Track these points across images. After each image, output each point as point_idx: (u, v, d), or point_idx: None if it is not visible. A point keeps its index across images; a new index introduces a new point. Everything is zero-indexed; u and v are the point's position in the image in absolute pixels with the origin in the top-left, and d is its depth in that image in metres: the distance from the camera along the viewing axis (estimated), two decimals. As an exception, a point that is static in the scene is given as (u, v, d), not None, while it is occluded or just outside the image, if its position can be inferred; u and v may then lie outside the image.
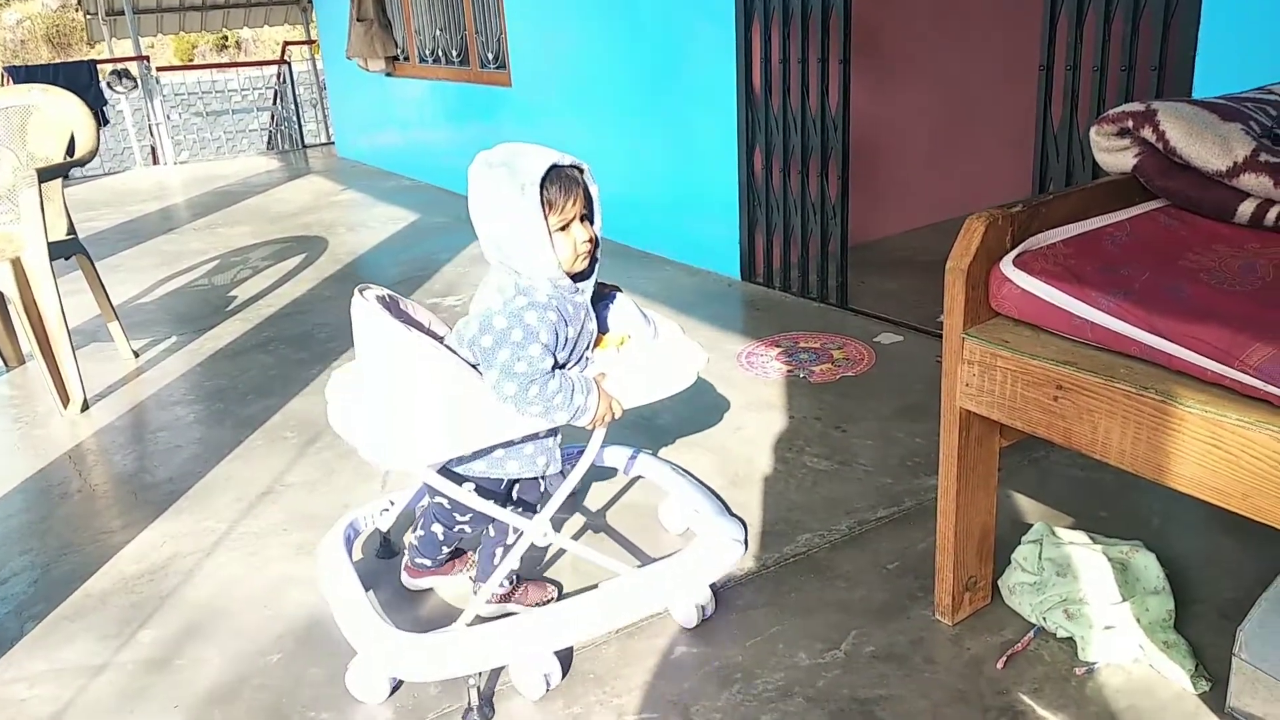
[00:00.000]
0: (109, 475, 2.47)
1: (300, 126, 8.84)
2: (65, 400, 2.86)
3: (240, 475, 2.42)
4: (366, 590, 1.71)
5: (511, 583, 1.79)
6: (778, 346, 3.06)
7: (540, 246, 1.45)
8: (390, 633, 1.57)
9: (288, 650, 1.74)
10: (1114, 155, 1.63)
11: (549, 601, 1.80)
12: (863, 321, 3.25)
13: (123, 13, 9.12)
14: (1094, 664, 1.56)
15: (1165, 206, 1.59)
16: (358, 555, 1.97)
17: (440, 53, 5.76)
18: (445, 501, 1.68)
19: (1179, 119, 1.53)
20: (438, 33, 5.75)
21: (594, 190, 1.53)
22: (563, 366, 1.53)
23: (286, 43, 9.01)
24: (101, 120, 7.42)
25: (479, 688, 1.53)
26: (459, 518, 1.72)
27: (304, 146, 8.75)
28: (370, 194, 6.09)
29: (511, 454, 1.60)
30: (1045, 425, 1.39)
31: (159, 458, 2.55)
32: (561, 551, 1.96)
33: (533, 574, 1.90)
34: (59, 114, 3.11)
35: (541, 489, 1.73)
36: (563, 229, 1.48)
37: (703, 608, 1.72)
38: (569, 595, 1.80)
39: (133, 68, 8.11)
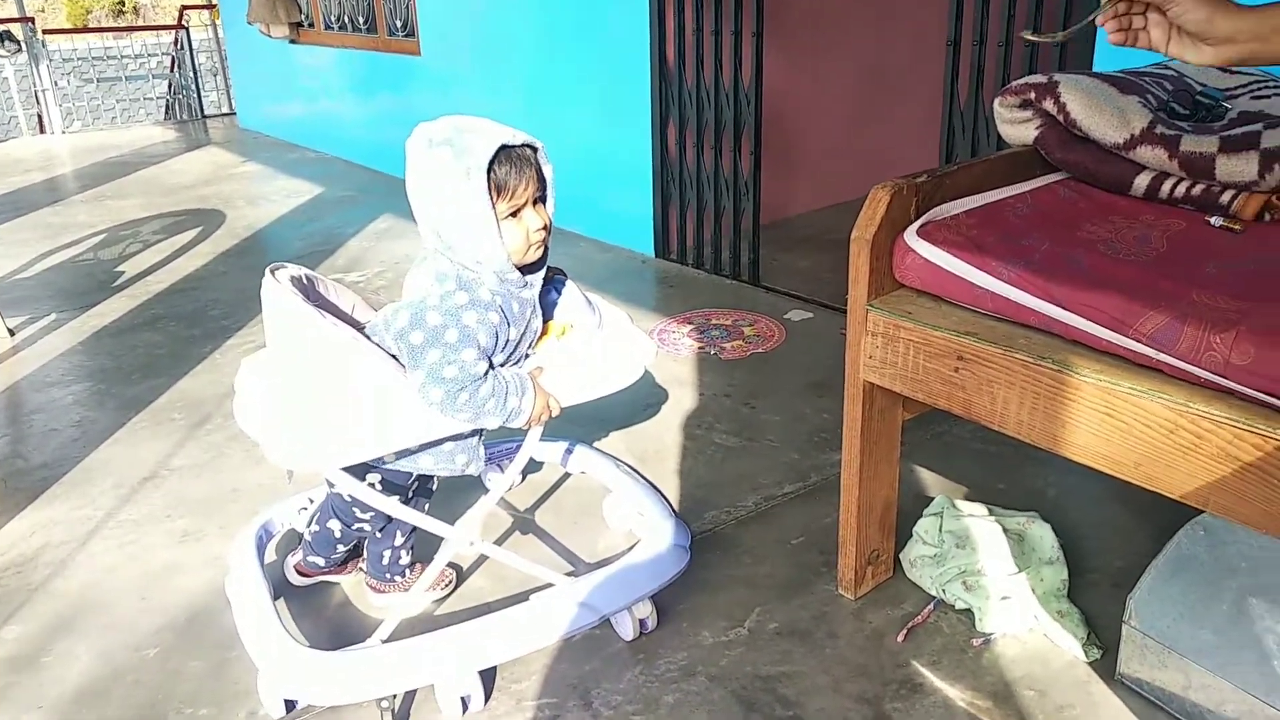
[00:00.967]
0: (-25, 460, 2.31)
1: (200, 95, 8.44)
2: (-72, 381, 2.66)
3: (121, 459, 2.28)
4: (277, 599, 1.59)
5: (406, 568, 1.71)
6: (690, 324, 3.03)
7: (487, 237, 1.31)
8: (295, 650, 1.43)
9: (166, 644, 1.63)
10: (1016, 127, 1.63)
11: (447, 586, 1.73)
12: (774, 298, 3.24)
13: (4, -30, 8.55)
14: (991, 635, 1.57)
15: (1066, 179, 1.60)
16: (269, 559, 1.81)
17: (346, 19, 5.55)
18: (346, 495, 1.55)
19: (1079, 91, 1.53)
20: (343, -1, 5.53)
21: (548, 171, 1.38)
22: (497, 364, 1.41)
23: (184, 7, 8.58)
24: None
25: (393, 710, 1.42)
26: (360, 514, 1.58)
27: (204, 117, 8.36)
28: (273, 166, 5.85)
29: (428, 449, 1.46)
30: (946, 397, 1.38)
31: (33, 442, 2.39)
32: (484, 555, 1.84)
33: (430, 557, 1.81)
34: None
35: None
36: (513, 215, 1.35)
37: (643, 620, 1.60)
38: (496, 606, 1.64)
39: (16, 29, 7.62)
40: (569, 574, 1.64)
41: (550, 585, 1.58)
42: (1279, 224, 1.40)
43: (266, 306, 1.41)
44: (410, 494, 1.58)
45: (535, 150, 1.36)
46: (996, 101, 1.63)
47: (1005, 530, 1.69)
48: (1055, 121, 1.55)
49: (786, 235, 3.94)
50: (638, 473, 2.01)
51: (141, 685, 1.54)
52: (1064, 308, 1.23)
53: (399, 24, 5.06)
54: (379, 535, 1.64)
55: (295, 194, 5.07)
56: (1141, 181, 1.49)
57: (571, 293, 1.58)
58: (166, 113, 8.96)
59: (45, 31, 8.06)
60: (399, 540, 1.66)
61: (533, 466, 2.14)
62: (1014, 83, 1.61)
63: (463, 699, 1.44)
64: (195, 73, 8.42)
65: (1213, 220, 1.41)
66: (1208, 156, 1.41)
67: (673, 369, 2.67)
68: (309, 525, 1.70)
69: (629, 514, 1.88)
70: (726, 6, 3.17)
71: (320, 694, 1.41)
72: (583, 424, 2.30)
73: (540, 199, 1.39)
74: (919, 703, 1.44)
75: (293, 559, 1.75)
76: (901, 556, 1.75)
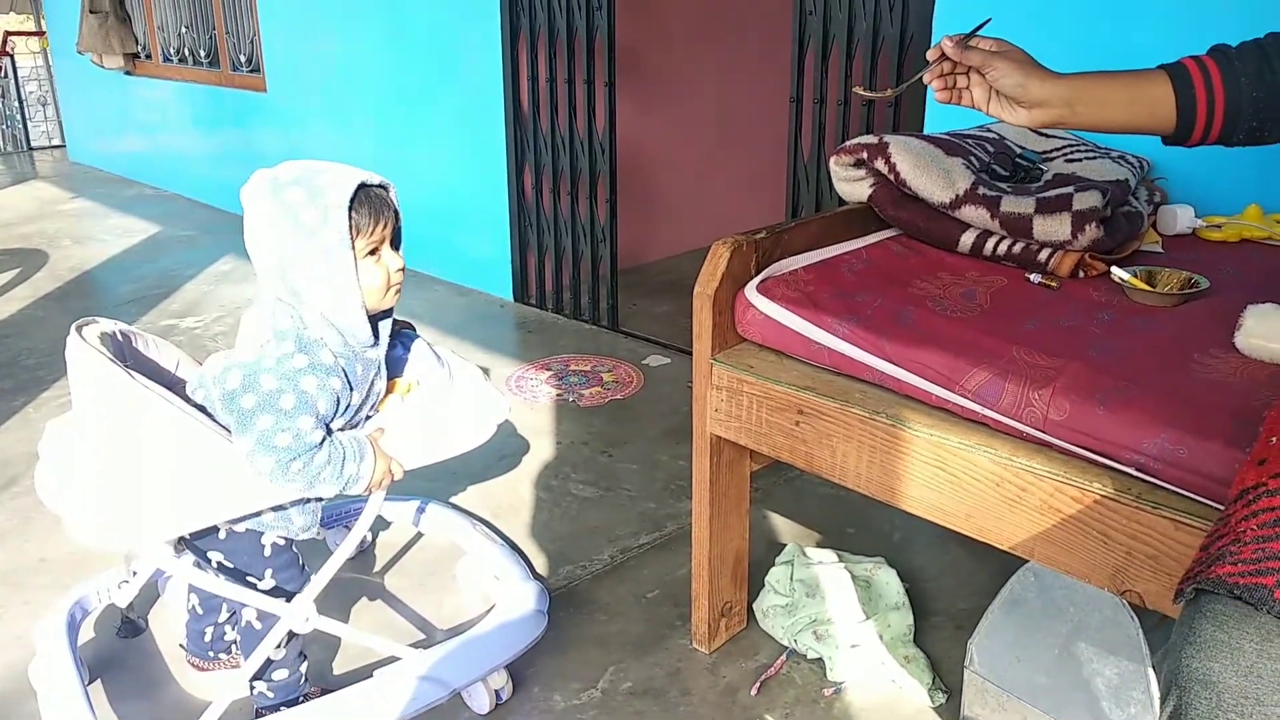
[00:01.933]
0: None
1: (26, 126, 7.88)
2: None
3: (-92, 530, 2.05)
4: (91, 682, 1.44)
5: (232, 644, 1.57)
6: (548, 370, 2.99)
7: (345, 284, 1.23)
8: None
9: (-51, 742, 1.46)
10: (851, 185, 1.68)
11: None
12: (633, 344, 3.25)
13: None
14: (841, 683, 1.58)
15: (898, 235, 1.66)
16: (87, 636, 1.66)
17: (187, 52, 5.30)
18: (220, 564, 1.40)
19: (908, 152, 1.59)
20: (183, 30, 5.29)
21: (399, 214, 1.32)
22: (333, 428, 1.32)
23: (8, 33, 8.02)
24: None
25: None
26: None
27: (30, 149, 7.81)
28: (105, 203, 5.49)
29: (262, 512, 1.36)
30: (789, 450, 1.39)
31: None
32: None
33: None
34: None
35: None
36: (372, 253, 1.27)
37: (498, 691, 1.53)
38: (336, 683, 1.54)
39: None
40: (418, 644, 1.55)
41: (396, 659, 1.49)
42: (1091, 281, 1.49)
43: (71, 367, 1.29)
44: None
45: (387, 190, 1.30)
46: (832, 160, 1.68)
47: (854, 577, 1.71)
48: (887, 180, 1.61)
49: (644, 281, 3.97)
50: (495, 531, 1.94)
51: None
52: (895, 364, 1.26)
53: (243, 59, 4.86)
54: (200, 611, 1.52)
55: (129, 233, 4.77)
56: (967, 239, 1.56)
57: (419, 348, 1.51)
58: (-13, 144, 8.31)
59: None
60: (223, 615, 1.54)
61: (380, 525, 2.04)
62: (848, 143, 1.66)
63: None
64: (21, 102, 7.86)
65: (1032, 277, 1.49)
66: (1025, 217, 1.49)
67: (530, 418, 2.63)
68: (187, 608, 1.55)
69: (484, 576, 1.81)
70: (579, 56, 3.18)
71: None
72: (435, 479, 2.22)
73: (395, 240, 1.33)
74: (770, 759, 1.43)
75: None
76: (755, 606, 1.75)
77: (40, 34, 8.14)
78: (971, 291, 1.43)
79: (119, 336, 1.38)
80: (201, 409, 1.29)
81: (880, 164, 1.60)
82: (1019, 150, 1.77)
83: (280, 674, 1.44)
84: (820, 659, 1.62)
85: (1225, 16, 1.84)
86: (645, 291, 3.82)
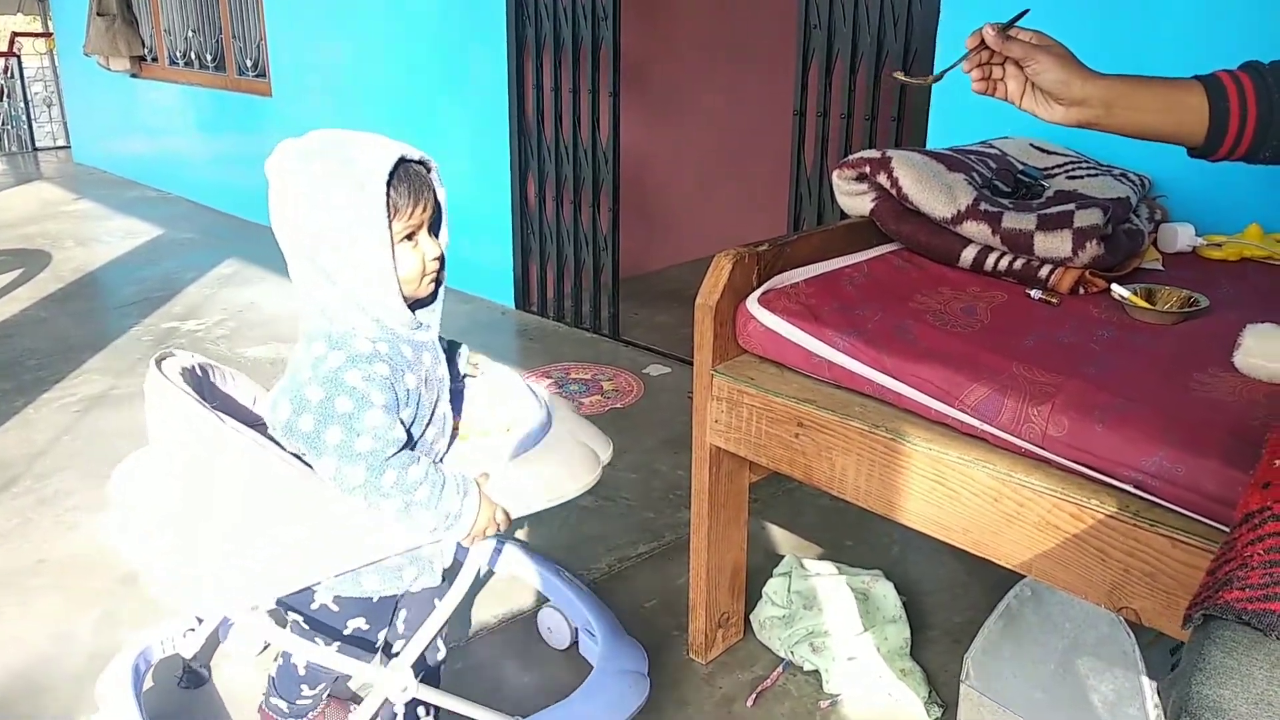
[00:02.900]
0: None
1: (31, 127, 7.91)
2: None
3: (-93, 529, 2.05)
4: None
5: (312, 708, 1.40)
6: (549, 378, 3.00)
7: (381, 270, 1.09)
8: None
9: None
10: (853, 199, 1.69)
11: None
12: (633, 353, 3.25)
13: None
14: (837, 695, 1.58)
15: (900, 249, 1.67)
16: (147, 684, 1.55)
17: (194, 55, 5.32)
18: (301, 619, 1.25)
19: (910, 167, 1.60)
20: (190, 34, 5.31)
21: (442, 194, 1.19)
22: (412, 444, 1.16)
23: (15, 34, 8.05)
24: None
25: None
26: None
27: (35, 149, 7.83)
28: (108, 204, 5.50)
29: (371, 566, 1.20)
30: (788, 462, 1.40)
31: None
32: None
33: (340, 688, 1.52)
34: None
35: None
36: (408, 238, 1.13)
37: None
38: None
39: None
40: (517, 716, 1.39)
41: None
42: (1092, 298, 1.49)
43: (152, 406, 1.17)
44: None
45: (429, 169, 1.16)
46: (835, 174, 1.68)
47: (851, 589, 1.72)
48: (889, 195, 1.62)
49: (646, 290, 3.98)
50: (578, 580, 1.76)
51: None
52: (895, 378, 1.26)
53: (249, 63, 4.88)
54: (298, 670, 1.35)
55: (132, 235, 4.78)
56: (969, 255, 1.57)
57: (511, 382, 1.35)
58: (-8, 144, 8.34)
59: None
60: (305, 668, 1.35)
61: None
62: (850, 157, 1.67)
63: None
64: (27, 102, 7.88)
65: (1032, 293, 1.49)
66: (1026, 233, 1.50)
67: (528, 426, 2.63)
68: (275, 656, 1.39)
69: (571, 631, 1.68)
70: (584, 66, 3.20)
71: None
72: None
73: (434, 226, 1.20)
74: (766, 771, 1.43)
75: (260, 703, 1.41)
76: (752, 617, 1.75)
77: (47, 35, 8.18)
78: (972, 307, 1.44)
79: (198, 371, 1.27)
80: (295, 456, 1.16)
81: (882, 178, 1.61)
82: (1021, 167, 1.78)
83: (305, 700, 1.36)
84: (817, 671, 1.62)
85: (1244, 18, 1.85)
86: (647, 301, 3.82)
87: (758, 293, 1.44)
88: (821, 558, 1.88)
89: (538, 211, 3.52)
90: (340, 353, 1.10)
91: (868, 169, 1.63)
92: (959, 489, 1.20)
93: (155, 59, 5.67)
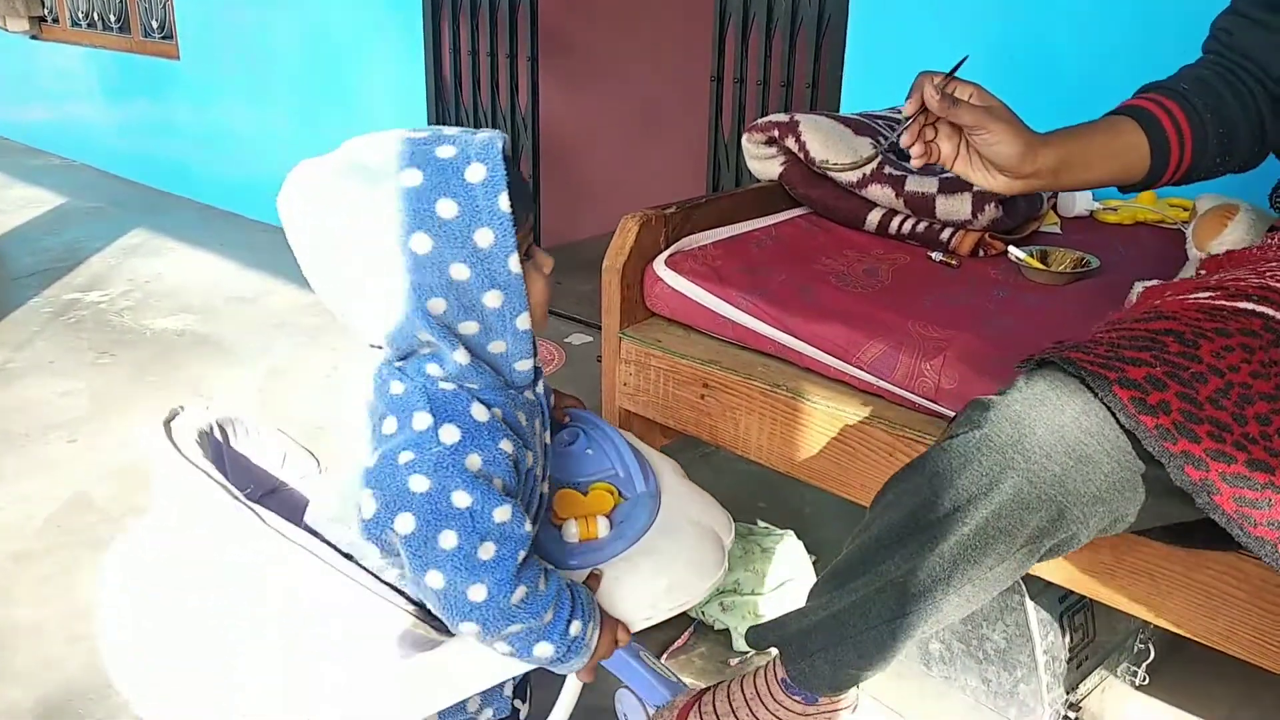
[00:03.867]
0: None
1: (-78, 90, 7.48)
2: None
3: None
4: None
5: None
6: (468, 347, 2.97)
7: (512, 299, 0.82)
8: None
9: None
10: (763, 163, 1.70)
11: None
12: (556, 322, 3.24)
13: None
14: (746, 654, 1.61)
15: (808, 213, 1.68)
16: None
17: (96, 16, 5.09)
18: None
19: (818, 131, 1.61)
20: (93, -7, 5.07)
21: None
22: None
23: (-97, -10, 7.59)
24: None
25: None
26: None
27: (-73, 114, 7.41)
28: (9, 173, 5.25)
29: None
30: (695, 423, 1.40)
31: None
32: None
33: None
34: None
35: None
36: (527, 258, 0.86)
37: None
38: None
39: None
40: None
41: None
42: (990, 260, 1.53)
43: (162, 481, 0.92)
44: None
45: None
46: (744, 138, 1.69)
47: (760, 549, 1.74)
48: (797, 158, 1.63)
49: (570, 259, 3.94)
50: (651, 656, 1.45)
51: None
52: (796, 336, 1.28)
53: (155, 24, 4.69)
54: None
55: (34, 203, 4.57)
56: (873, 218, 1.59)
57: (614, 442, 1.08)
58: (-121, 108, 7.87)
59: None
60: None
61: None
62: (759, 120, 1.68)
63: None
64: (-84, 64, 7.45)
65: (934, 255, 1.52)
66: (929, 196, 1.52)
67: (447, 395, 2.60)
68: None
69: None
70: (501, 30, 3.15)
71: None
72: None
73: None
74: (675, 728, 1.45)
75: None
76: (665, 580, 1.76)
77: (-63, -7, 7.72)
78: (874, 268, 1.46)
79: (215, 432, 0.99)
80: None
81: (791, 142, 1.62)
82: (927, 132, 1.80)
83: None
84: (727, 630, 1.64)
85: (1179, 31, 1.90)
86: (569, 270, 3.79)
87: (665, 254, 1.44)
88: (737, 520, 1.90)
89: (457, 179, 3.46)
90: (454, 426, 0.82)
91: (776, 133, 1.64)
92: (856, 445, 1.22)
93: (56, 20, 5.40)
